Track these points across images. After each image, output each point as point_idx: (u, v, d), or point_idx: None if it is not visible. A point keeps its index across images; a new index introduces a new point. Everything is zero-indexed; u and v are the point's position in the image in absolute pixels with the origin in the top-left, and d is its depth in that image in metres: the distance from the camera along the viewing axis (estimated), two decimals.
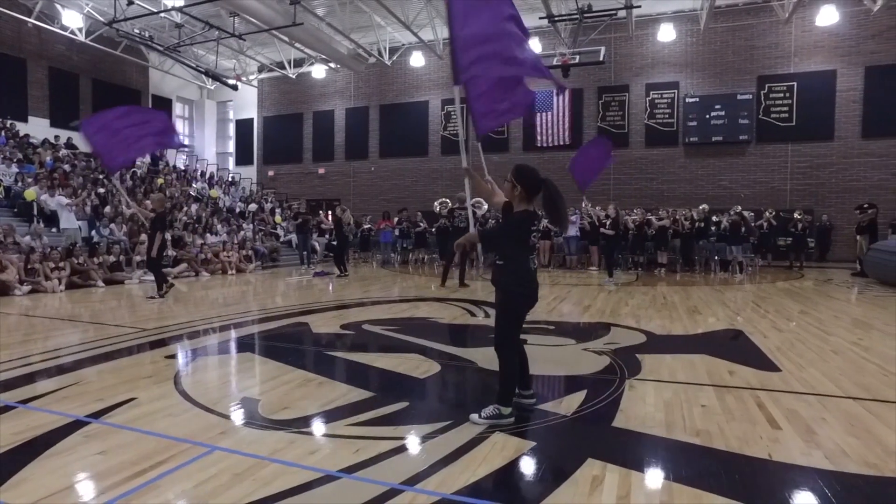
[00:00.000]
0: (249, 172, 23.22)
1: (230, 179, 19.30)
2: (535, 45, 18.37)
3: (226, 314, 7.30)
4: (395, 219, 17.46)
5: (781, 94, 16.91)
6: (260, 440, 3.03)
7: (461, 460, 2.74)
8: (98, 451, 2.83)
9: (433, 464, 2.70)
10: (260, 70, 21.95)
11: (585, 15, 14.44)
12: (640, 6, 15.11)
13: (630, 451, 2.87)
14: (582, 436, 3.14)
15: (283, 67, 20.93)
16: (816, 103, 16.56)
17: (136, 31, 15.92)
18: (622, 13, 15.66)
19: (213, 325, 6.44)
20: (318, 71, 21.02)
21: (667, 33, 17.30)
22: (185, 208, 14.73)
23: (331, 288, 10.53)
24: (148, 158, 17.77)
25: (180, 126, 22.88)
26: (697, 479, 2.55)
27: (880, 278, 11.10)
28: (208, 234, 13.49)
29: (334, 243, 17.73)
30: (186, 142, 21.59)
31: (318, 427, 3.22)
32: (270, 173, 23.07)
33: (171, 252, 11.14)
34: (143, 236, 11.69)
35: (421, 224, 16.89)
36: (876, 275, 11.29)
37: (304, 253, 14.62)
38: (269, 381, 4.15)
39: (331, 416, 3.39)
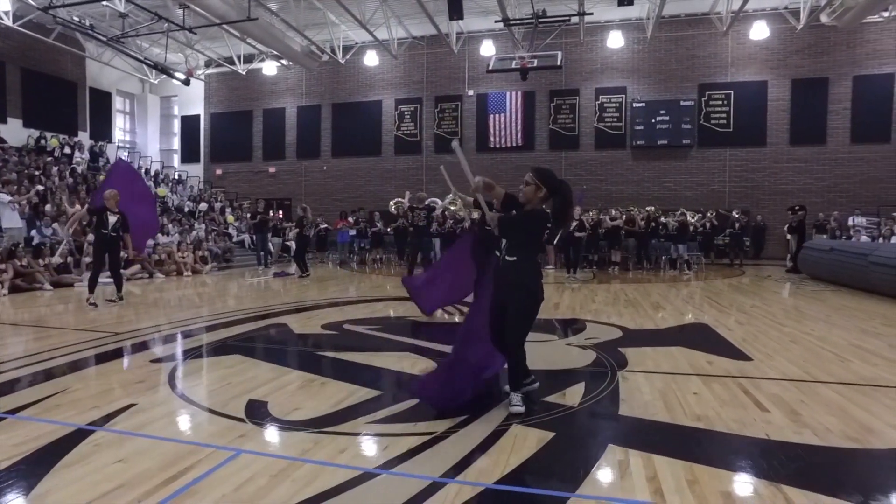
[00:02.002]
0: (196, 171, 22.35)
1: (177, 178, 18.50)
2: (489, 48, 18.73)
3: (197, 316, 7.07)
4: (352, 218, 17.31)
5: (720, 102, 17.99)
6: (283, 441, 3.02)
7: (490, 452, 2.84)
8: (116, 460, 2.74)
9: (464, 457, 2.78)
10: (207, 65, 21.19)
11: (540, 20, 14.84)
12: (591, 13, 15.68)
13: (644, 436, 3.06)
14: (596, 425, 3.31)
15: (233, 63, 20.29)
16: (751, 111, 17.74)
17: (76, 18, 15.00)
18: (574, 19, 16.20)
19: (188, 328, 6.23)
20: (270, 67, 20.53)
21: (615, 40, 18.03)
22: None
23: (296, 289, 10.34)
24: (87, 155, 16.80)
25: (121, 121, 21.73)
26: (712, 458, 2.76)
27: (812, 274, 12.05)
28: (159, 235, 12.91)
29: (288, 243, 17.45)
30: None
31: (338, 426, 3.22)
32: (218, 172, 22.30)
33: (123, 253, 10.59)
34: (91, 236, 11.10)
35: (378, 224, 16.83)
36: (808, 271, 12.25)
37: (262, 253, 14.27)
38: (269, 382, 4.10)
39: (346, 415, 3.40)
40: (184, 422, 3.28)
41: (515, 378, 3.47)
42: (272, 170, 21.97)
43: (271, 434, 3.11)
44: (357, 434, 3.09)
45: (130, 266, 10.74)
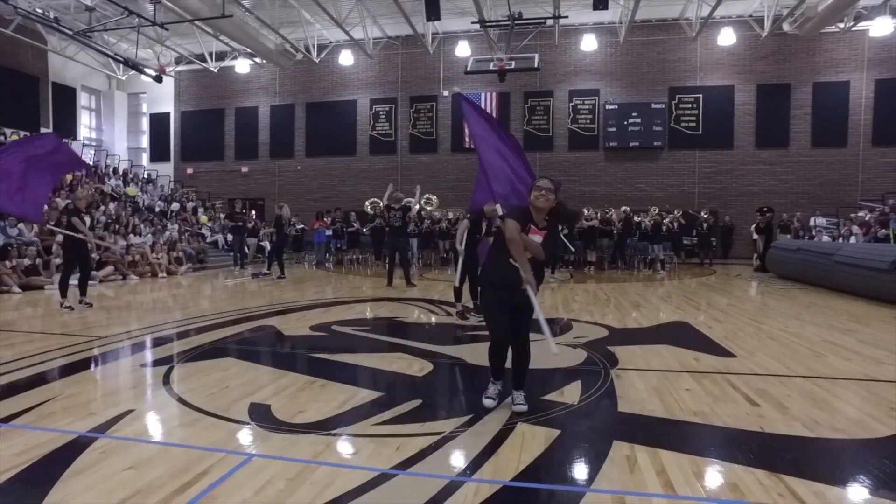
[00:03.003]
0: (166, 170, 21.80)
1: (146, 176, 18.01)
2: (465, 49, 18.82)
3: (181, 319, 6.93)
4: (328, 219, 17.18)
5: (690, 105, 18.50)
6: (294, 444, 3.01)
7: (501, 450, 2.90)
8: (126, 467, 2.69)
9: (476, 455, 2.83)
10: (178, 62, 20.70)
11: (516, 22, 15.00)
12: (566, 17, 15.92)
13: (647, 432, 3.17)
14: (598, 421, 3.40)
15: (204, 60, 19.88)
16: (718, 115, 18.30)
17: (39, 10, 14.47)
18: (549, 22, 16.42)
19: (173, 331, 6.12)
20: (242, 65, 20.18)
21: (589, 43, 18.35)
22: (103, 207, 13.62)
23: (276, 290, 10.22)
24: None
25: (86, 118, 21.05)
26: (714, 451, 2.88)
27: (779, 273, 12.52)
28: (132, 235, 12.57)
29: (262, 244, 17.20)
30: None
31: (347, 428, 3.24)
32: (189, 171, 21.81)
33: (94, 254, 10.30)
34: (60, 237, 10.76)
35: (355, 224, 16.75)
36: (775, 270, 12.72)
37: (238, 254, 14.05)
38: (268, 385, 4.07)
39: (352, 416, 3.41)
40: (188, 427, 3.23)
41: (521, 376, 3.55)
42: (245, 169, 21.61)
43: (280, 437, 3.10)
44: (367, 436, 3.11)
45: (103, 268, 10.44)
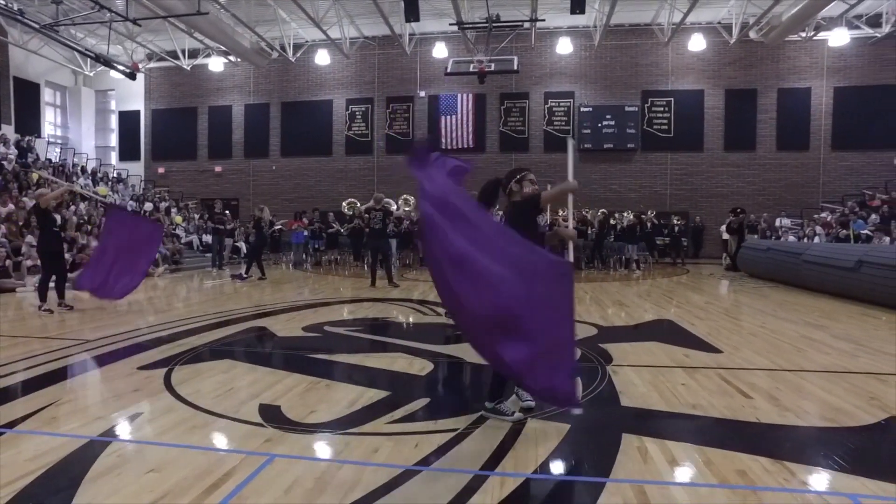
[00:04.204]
0: (136, 169, 21.25)
1: (116, 176, 17.53)
2: (442, 50, 18.90)
3: (168, 321, 6.81)
4: (306, 219, 17.05)
5: (662, 108, 18.99)
6: (313, 444, 3.04)
7: (518, 445, 2.99)
8: (148, 470, 2.68)
9: (494, 450, 2.92)
10: (149, 58, 20.20)
11: (494, 24, 15.17)
12: (543, 20, 16.17)
13: (652, 424, 3.30)
14: (604, 416, 3.52)
15: (177, 57, 19.45)
16: (689, 118, 18.84)
17: (1, 1, 13.95)
18: (527, 24, 16.64)
19: (163, 333, 6.02)
20: (216, 63, 19.82)
21: (564, 46, 18.66)
22: (73, 207, 13.21)
23: (259, 291, 10.11)
24: (15, 150, 15.66)
25: (51, 115, 20.35)
26: (718, 441, 3.02)
27: (750, 272, 12.99)
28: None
29: (238, 244, 16.96)
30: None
31: (361, 427, 3.27)
32: (161, 170, 21.31)
33: (67, 255, 10.00)
34: (30, 237, 10.43)
35: (334, 225, 16.67)
36: (747, 269, 13.19)
37: (217, 256, 13.82)
38: (272, 386, 4.07)
39: (364, 415, 3.45)
40: (202, 429, 3.22)
41: None
42: (218, 169, 21.24)
43: (297, 437, 3.12)
44: (383, 434, 3.16)
45: (77, 269, 10.13)
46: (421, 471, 2.68)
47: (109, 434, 3.13)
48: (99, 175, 17.69)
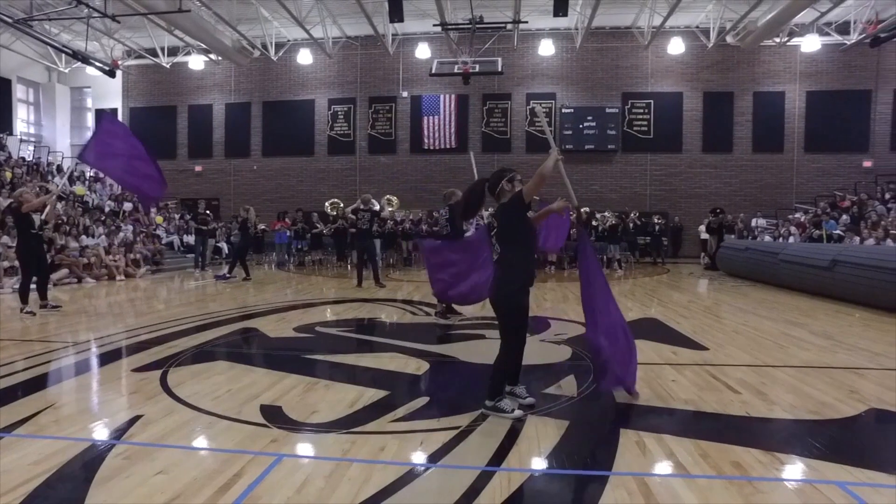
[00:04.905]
0: None
1: (93, 175, 17.17)
2: (425, 51, 18.93)
3: (156, 323, 6.74)
4: (289, 219, 16.95)
5: (642, 110, 19.32)
6: (319, 443, 3.08)
7: (520, 441, 3.06)
8: (156, 472, 2.69)
9: (498, 447, 2.99)
10: (128, 55, 19.83)
11: (477, 26, 15.27)
12: (526, 21, 16.32)
13: (648, 419, 3.41)
14: (601, 412, 3.63)
15: (156, 55, 19.14)
16: (669, 120, 19.20)
17: None
18: (509, 26, 16.78)
19: (153, 335, 5.95)
20: (196, 62, 19.57)
21: (546, 48, 18.86)
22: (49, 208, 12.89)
23: (244, 292, 10.04)
24: None
25: (24, 112, 19.84)
26: (712, 435, 3.14)
27: (729, 271, 13.30)
28: (84, 237, 12.01)
29: (219, 244, 16.77)
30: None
31: (365, 426, 3.32)
32: None
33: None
34: (6, 238, 10.20)
35: (318, 225, 16.60)
36: (725, 268, 13.51)
37: (200, 257, 13.67)
38: (271, 387, 4.08)
39: (366, 415, 3.50)
40: (206, 430, 3.23)
41: (518, 371, 3.71)
42: (198, 168, 20.97)
43: (303, 437, 3.15)
44: (388, 432, 3.21)
45: (56, 270, 9.96)
46: (429, 468, 2.74)
47: (112, 437, 3.13)
48: (75, 174, 17.30)
